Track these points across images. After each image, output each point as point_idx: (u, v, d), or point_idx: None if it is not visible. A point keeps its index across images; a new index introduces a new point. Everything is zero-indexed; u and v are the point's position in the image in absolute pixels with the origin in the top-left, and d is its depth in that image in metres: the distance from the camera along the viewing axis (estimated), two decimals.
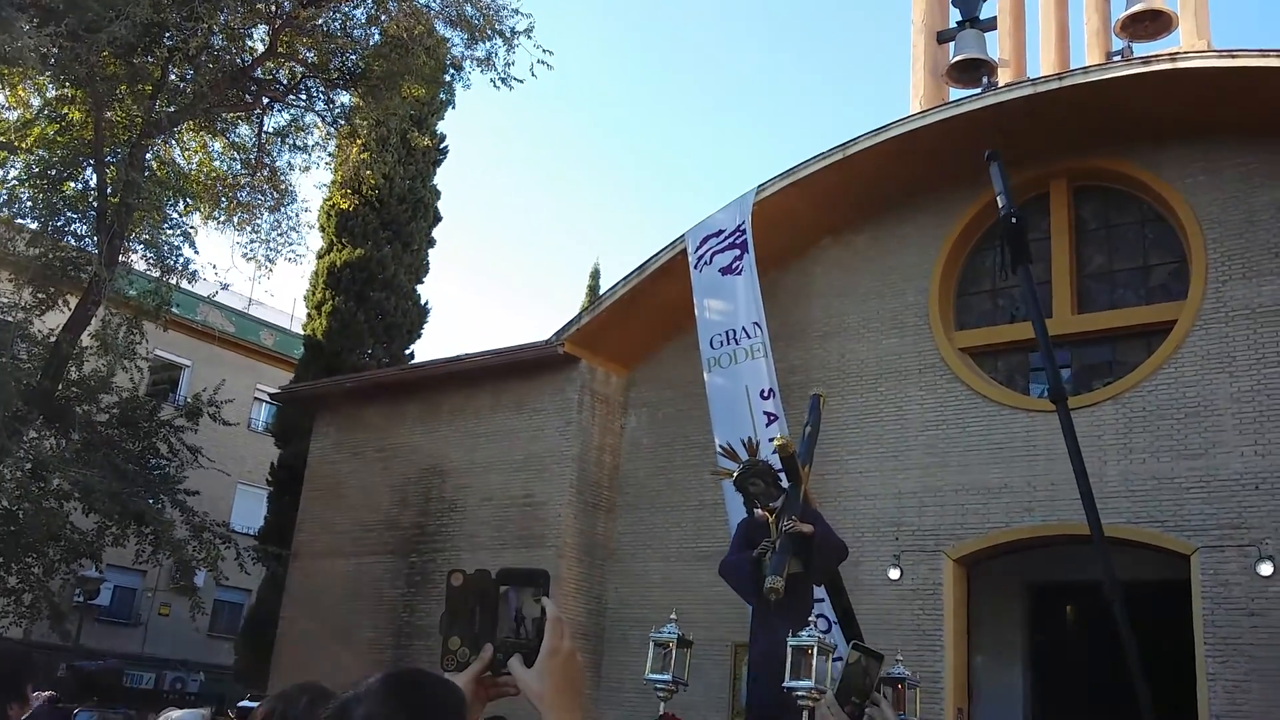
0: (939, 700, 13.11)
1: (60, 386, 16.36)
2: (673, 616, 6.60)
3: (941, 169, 14.44)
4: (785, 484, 7.76)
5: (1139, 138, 13.68)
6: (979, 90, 14.90)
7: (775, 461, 7.89)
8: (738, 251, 14.98)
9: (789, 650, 5.93)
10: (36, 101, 16.53)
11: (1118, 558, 11.55)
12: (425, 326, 24.29)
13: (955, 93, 15.77)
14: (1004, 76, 15.44)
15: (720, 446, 8.84)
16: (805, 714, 5.82)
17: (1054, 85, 13.64)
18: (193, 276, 17.41)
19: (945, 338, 14.58)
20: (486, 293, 75.83)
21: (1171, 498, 12.45)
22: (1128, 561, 12.34)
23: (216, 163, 18.01)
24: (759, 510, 7.72)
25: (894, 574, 13.84)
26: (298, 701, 2.09)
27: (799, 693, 5.81)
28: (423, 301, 24.26)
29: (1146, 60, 13.33)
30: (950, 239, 14.92)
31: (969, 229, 14.93)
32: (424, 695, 1.48)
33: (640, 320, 16.43)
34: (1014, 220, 4.33)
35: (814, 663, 5.82)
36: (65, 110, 16.46)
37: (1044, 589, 15.97)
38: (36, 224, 16.29)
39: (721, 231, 15.27)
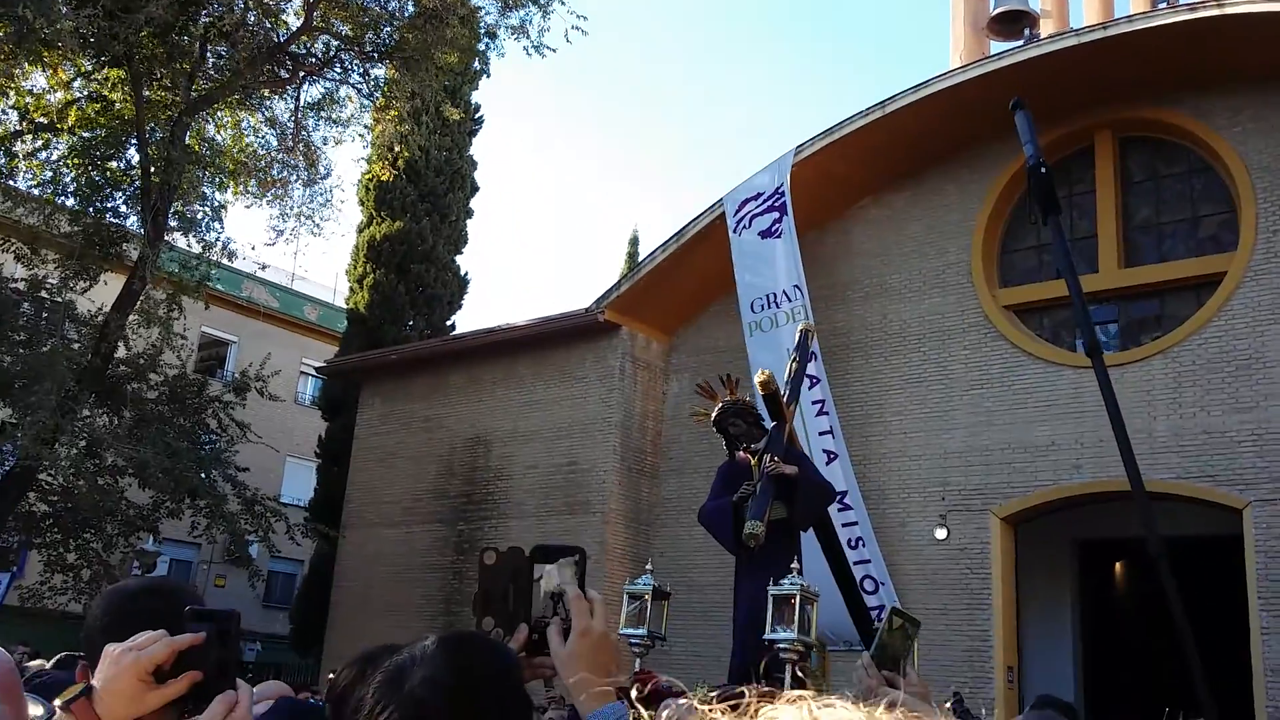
0: (988, 658, 13.09)
1: (110, 366, 16.61)
2: (648, 567, 6.38)
3: (983, 125, 14.21)
4: (769, 424, 7.40)
5: (1186, 87, 13.39)
6: (1021, 43, 14.67)
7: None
8: (777, 214, 14.89)
9: (770, 600, 5.68)
10: (77, 82, 16.68)
11: (1168, 513, 11.43)
12: (465, 297, 24.43)
13: (996, 46, 15.55)
14: (1046, 28, 15.18)
15: (697, 385, 8.44)
16: (790, 668, 5.58)
17: (1098, 35, 13.39)
18: (231, 256, 17.58)
19: (989, 295, 14.43)
20: (525, 262, 76.02)
21: (1223, 452, 12.29)
22: (1179, 517, 12.21)
23: (252, 138, 18.11)
24: (740, 453, 7.44)
25: (941, 534, 13.80)
26: (379, 661, 2.10)
27: (781, 645, 5.57)
28: (462, 272, 24.38)
29: (1193, 6, 13.02)
30: (992, 195, 14.73)
31: (1011, 185, 14.71)
32: (480, 658, 1.47)
33: (680, 286, 16.39)
34: (1043, 170, 4.19)
35: (797, 612, 5.56)
36: (105, 90, 16.61)
37: (1093, 545, 15.87)
38: (78, 203, 16.50)
39: (760, 194, 15.17)
